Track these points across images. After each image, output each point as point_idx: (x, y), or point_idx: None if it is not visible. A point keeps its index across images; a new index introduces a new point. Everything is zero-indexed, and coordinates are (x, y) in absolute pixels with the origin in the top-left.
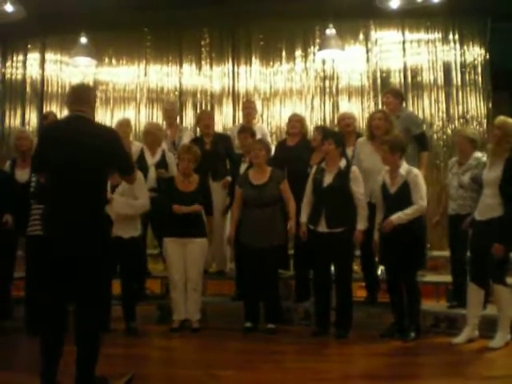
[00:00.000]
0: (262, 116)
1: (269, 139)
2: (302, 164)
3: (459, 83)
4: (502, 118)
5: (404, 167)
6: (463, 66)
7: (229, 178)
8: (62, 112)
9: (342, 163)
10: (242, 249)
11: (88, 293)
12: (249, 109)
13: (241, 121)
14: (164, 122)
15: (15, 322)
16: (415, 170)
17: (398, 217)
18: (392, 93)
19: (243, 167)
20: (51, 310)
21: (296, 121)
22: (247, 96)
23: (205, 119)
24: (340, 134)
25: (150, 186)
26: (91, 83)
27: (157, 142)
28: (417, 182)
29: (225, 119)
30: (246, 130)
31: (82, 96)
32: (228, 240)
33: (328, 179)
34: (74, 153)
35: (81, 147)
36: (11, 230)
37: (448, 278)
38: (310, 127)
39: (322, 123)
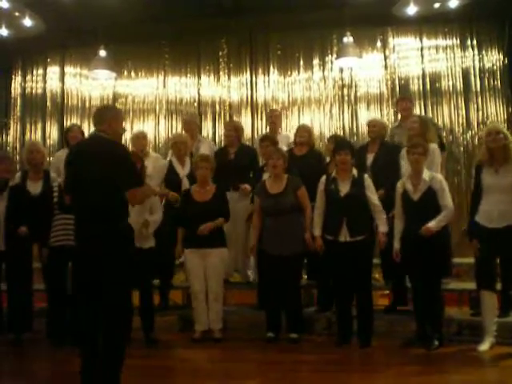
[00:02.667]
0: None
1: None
2: (311, 173)
3: (478, 89)
4: (494, 123)
5: (426, 173)
6: (482, 71)
7: (247, 186)
8: (82, 124)
9: (355, 172)
10: (262, 257)
11: (111, 305)
12: (273, 118)
13: (259, 130)
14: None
15: (35, 334)
16: (439, 176)
17: (436, 223)
18: (410, 99)
19: (265, 176)
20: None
21: (304, 131)
22: (266, 106)
23: (225, 130)
24: (350, 142)
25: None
26: (110, 96)
27: (185, 152)
28: (443, 187)
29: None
30: (268, 138)
31: (100, 116)
32: (250, 249)
33: (344, 188)
34: (85, 169)
35: (90, 163)
36: (27, 241)
37: (471, 285)
38: (329, 135)
39: (341, 132)
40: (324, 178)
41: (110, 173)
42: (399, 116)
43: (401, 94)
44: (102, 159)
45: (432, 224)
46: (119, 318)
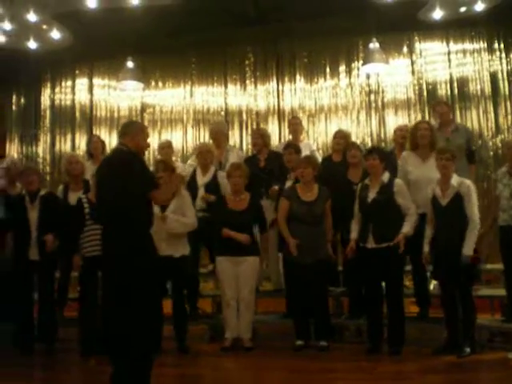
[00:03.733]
0: (307, 133)
1: (317, 155)
2: (344, 180)
3: (507, 92)
4: None
5: (455, 178)
6: (510, 74)
7: (275, 187)
8: (111, 135)
9: (385, 177)
10: (289, 265)
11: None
12: (295, 125)
13: (286, 138)
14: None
15: (66, 343)
16: (467, 181)
17: (469, 245)
18: (446, 103)
19: (289, 183)
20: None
21: (340, 137)
22: (292, 113)
23: (252, 138)
24: (382, 148)
25: (199, 207)
26: (138, 107)
27: (210, 161)
28: (471, 194)
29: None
30: (291, 146)
31: (124, 129)
32: (293, 251)
33: (372, 194)
34: (103, 181)
35: (106, 175)
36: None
37: (503, 292)
38: (357, 142)
39: (369, 138)
40: (360, 184)
41: (122, 182)
42: (436, 121)
43: (433, 99)
44: (116, 170)
45: (467, 249)
46: (143, 325)
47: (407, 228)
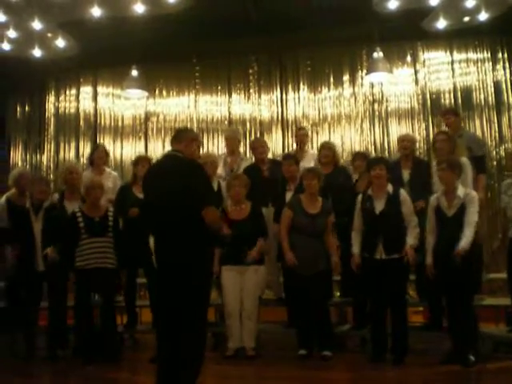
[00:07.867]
0: (311, 142)
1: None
2: (339, 191)
3: (511, 102)
4: None
5: (461, 189)
6: None
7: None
8: (114, 144)
9: (389, 188)
10: (289, 276)
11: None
12: (302, 136)
13: (290, 148)
14: (225, 150)
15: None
16: (473, 192)
17: (465, 243)
18: (453, 112)
19: (288, 195)
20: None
21: (327, 149)
22: (296, 123)
23: (259, 147)
24: (387, 159)
25: None
26: (142, 115)
27: (213, 171)
28: (472, 202)
29: (274, 146)
30: (291, 157)
31: (179, 136)
32: (291, 264)
33: (379, 206)
34: (166, 186)
35: (171, 180)
36: (57, 262)
37: (507, 301)
38: (361, 151)
39: (372, 147)
40: (360, 196)
41: (190, 188)
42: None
43: (436, 109)
44: (182, 175)
45: (462, 244)
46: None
47: (413, 240)
